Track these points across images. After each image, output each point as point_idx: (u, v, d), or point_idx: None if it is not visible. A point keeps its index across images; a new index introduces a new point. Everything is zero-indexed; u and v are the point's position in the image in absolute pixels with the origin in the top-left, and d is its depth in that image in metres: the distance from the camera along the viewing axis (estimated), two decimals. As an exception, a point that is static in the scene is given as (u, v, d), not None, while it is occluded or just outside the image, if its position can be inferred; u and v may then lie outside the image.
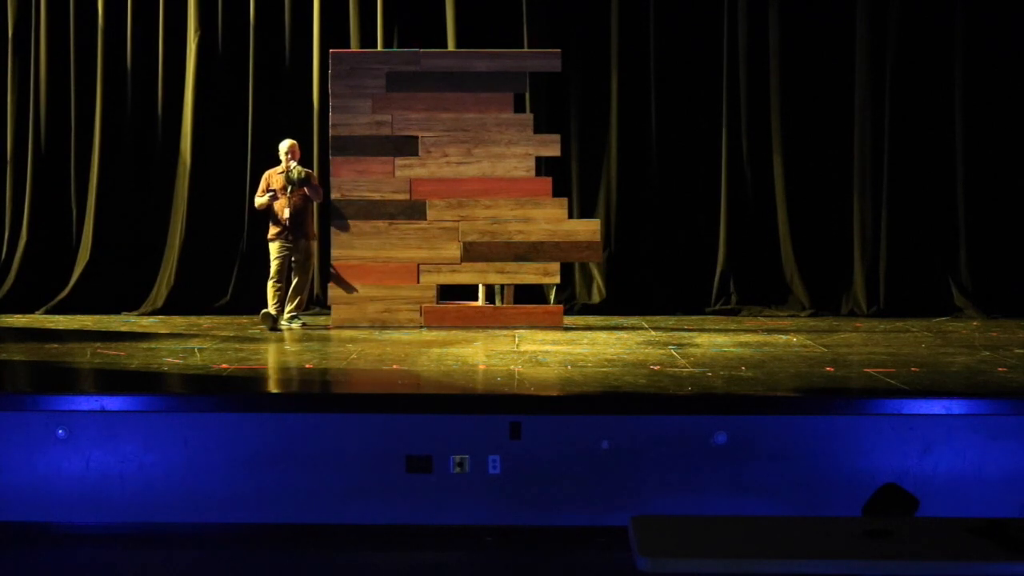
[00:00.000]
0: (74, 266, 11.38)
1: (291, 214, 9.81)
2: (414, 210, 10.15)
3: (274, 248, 9.89)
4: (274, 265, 9.88)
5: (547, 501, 6.25)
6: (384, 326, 10.02)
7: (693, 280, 11.36)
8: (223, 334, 9.45)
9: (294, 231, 9.85)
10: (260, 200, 9.93)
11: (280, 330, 9.73)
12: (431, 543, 6.14)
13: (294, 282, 9.96)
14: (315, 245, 10.18)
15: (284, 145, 10.00)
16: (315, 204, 10.15)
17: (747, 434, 6.24)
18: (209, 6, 11.40)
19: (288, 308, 9.96)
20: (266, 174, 10.04)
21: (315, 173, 10.59)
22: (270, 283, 9.90)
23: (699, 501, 6.18)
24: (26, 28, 11.51)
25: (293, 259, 9.90)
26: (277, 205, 9.85)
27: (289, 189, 9.80)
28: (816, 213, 11.30)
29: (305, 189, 9.85)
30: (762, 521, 4.20)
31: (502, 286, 10.34)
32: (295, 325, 9.86)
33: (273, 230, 9.92)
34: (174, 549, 6.09)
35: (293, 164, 9.86)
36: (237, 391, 6.70)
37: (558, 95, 11.32)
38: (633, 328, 9.96)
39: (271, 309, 9.83)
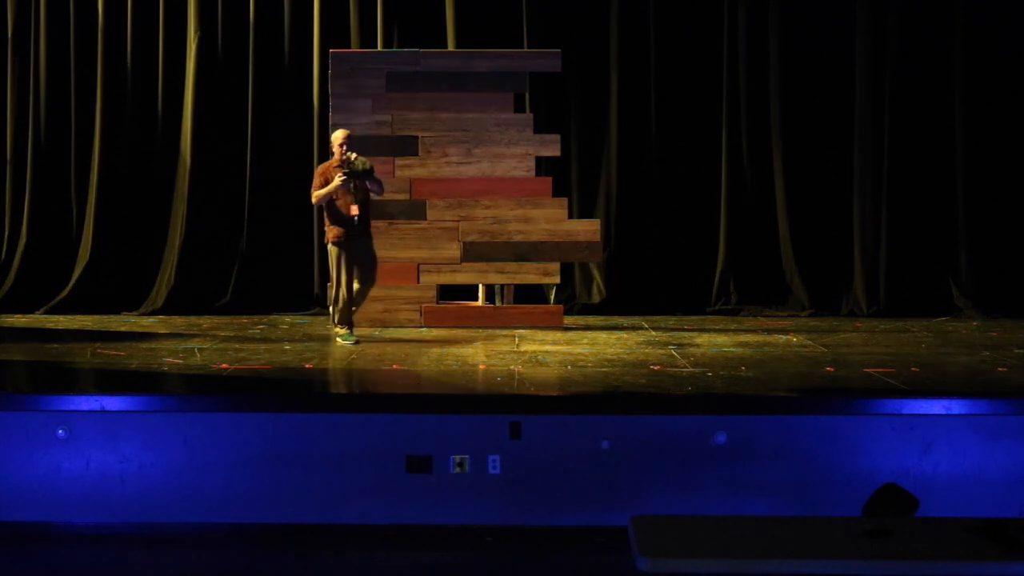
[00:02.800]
0: (74, 266, 11.37)
1: (360, 210, 8.70)
2: (414, 210, 10.15)
3: (337, 252, 8.73)
4: (343, 273, 8.72)
5: (547, 501, 6.25)
6: (384, 326, 10.01)
7: (693, 280, 11.36)
8: (223, 334, 9.44)
9: (361, 230, 8.77)
10: (319, 193, 8.73)
11: (357, 340, 8.83)
12: (431, 543, 6.14)
13: (356, 288, 8.90)
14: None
15: (339, 134, 8.87)
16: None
17: (747, 434, 6.25)
18: (209, 6, 11.39)
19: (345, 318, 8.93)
20: (320, 168, 8.90)
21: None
22: (339, 292, 8.76)
23: (699, 501, 6.18)
24: (26, 28, 11.50)
25: (358, 263, 8.84)
26: (340, 203, 8.72)
27: (352, 184, 8.69)
28: (816, 213, 11.30)
29: (367, 183, 8.76)
30: (762, 521, 4.20)
31: (502, 286, 10.34)
32: (349, 342, 8.79)
33: (336, 232, 8.73)
34: (174, 549, 6.09)
35: (354, 155, 8.73)
36: (237, 391, 6.70)
37: (558, 95, 11.31)
38: (633, 328, 9.96)
39: (345, 331, 8.77)
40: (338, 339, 8.84)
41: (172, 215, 11.41)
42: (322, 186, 8.74)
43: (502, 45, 10.80)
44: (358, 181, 8.69)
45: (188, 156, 11.35)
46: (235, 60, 11.43)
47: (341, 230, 8.72)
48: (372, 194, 8.87)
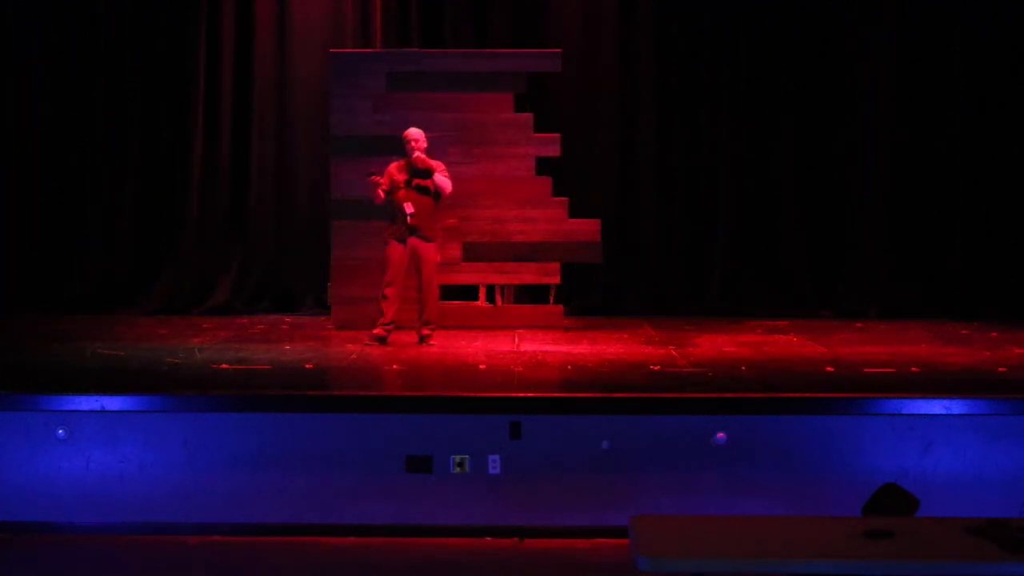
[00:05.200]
0: (76, 265, 11.36)
1: (415, 211, 8.67)
2: (414, 210, 10.13)
3: (389, 251, 8.78)
4: (389, 269, 8.74)
5: (547, 501, 6.26)
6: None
7: (693, 280, 11.36)
8: (223, 334, 9.44)
9: (415, 230, 8.72)
10: (379, 194, 8.72)
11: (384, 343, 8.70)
12: (431, 543, 6.14)
13: (420, 294, 8.89)
14: (437, 250, 8.95)
15: (413, 133, 8.86)
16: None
17: (747, 434, 6.25)
18: (212, 6, 11.39)
19: (419, 325, 8.87)
20: (389, 167, 8.84)
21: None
22: (383, 291, 8.76)
23: (699, 501, 6.18)
24: (27, 26, 11.48)
25: (407, 264, 8.79)
26: (396, 201, 8.72)
27: (407, 182, 8.67)
28: (817, 213, 11.29)
29: (431, 181, 8.72)
30: (762, 521, 4.20)
31: (502, 286, 10.33)
32: (367, 341, 8.72)
33: (390, 229, 8.82)
34: (174, 549, 6.09)
35: (417, 153, 8.74)
36: (237, 391, 6.70)
37: (558, 95, 11.29)
38: (633, 328, 9.95)
39: (379, 330, 8.70)
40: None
41: (174, 215, 11.40)
42: (385, 185, 8.74)
43: (502, 45, 10.81)
44: (418, 180, 8.70)
45: (191, 156, 11.34)
46: (237, 60, 11.43)
47: (389, 227, 8.80)
48: (437, 194, 8.80)
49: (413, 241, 8.73)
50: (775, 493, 6.20)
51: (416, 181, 8.72)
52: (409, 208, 8.65)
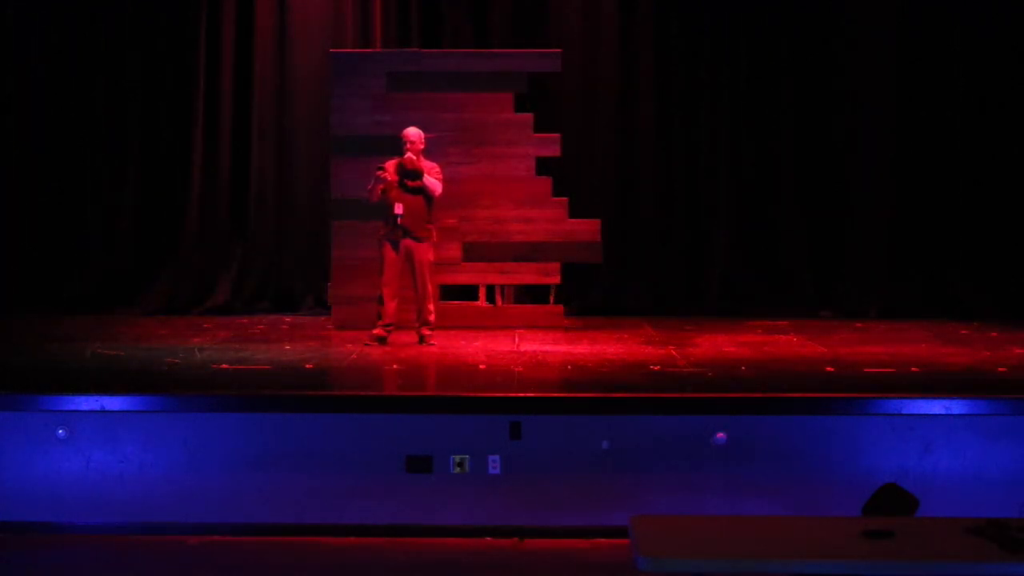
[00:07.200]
0: (77, 265, 11.36)
1: (406, 211, 8.67)
2: (414, 210, 10.12)
3: (383, 252, 8.78)
4: (384, 270, 8.76)
5: (547, 501, 6.26)
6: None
7: (693, 280, 11.36)
8: (223, 334, 9.44)
9: (406, 231, 8.74)
10: (372, 191, 8.75)
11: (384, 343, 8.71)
12: (431, 543, 6.14)
13: (416, 295, 8.88)
14: (431, 250, 8.94)
15: (411, 133, 8.87)
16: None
17: (747, 434, 6.25)
18: (212, 6, 11.39)
19: (418, 325, 8.89)
20: (388, 164, 8.81)
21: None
22: (380, 292, 8.79)
23: (699, 501, 6.18)
24: (27, 26, 11.47)
25: (401, 265, 8.77)
26: (388, 200, 8.72)
27: (399, 182, 8.68)
28: (817, 213, 11.29)
29: (420, 182, 8.70)
30: (762, 521, 4.20)
31: (502, 286, 10.33)
32: (367, 341, 8.75)
33: (383, 230, 8.81)
34: (174, 549, 6.10)
35: (408, 153, 8.73)
36: (237, 391, 6.70)
37: (558, 95, 11.29)
38: (633, 328, 9.95)
39: (379, 330, 8.73)
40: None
41: (174, 215, 11.40)
42: (392, 180, 8.73)
43: (501, 45, 10.80)
44: (408, 180, 8.69)
45: (191, 156, 11.34)
46: (237, 59, 11.42)
47: (383, 227, 8.80)
48: (431, 194, 8.78)
49: (406, 242, 8.73)
50: (775, 493, 6.20)
51: (406, 182, 8.71)
52: (399, 208, 8.66)
